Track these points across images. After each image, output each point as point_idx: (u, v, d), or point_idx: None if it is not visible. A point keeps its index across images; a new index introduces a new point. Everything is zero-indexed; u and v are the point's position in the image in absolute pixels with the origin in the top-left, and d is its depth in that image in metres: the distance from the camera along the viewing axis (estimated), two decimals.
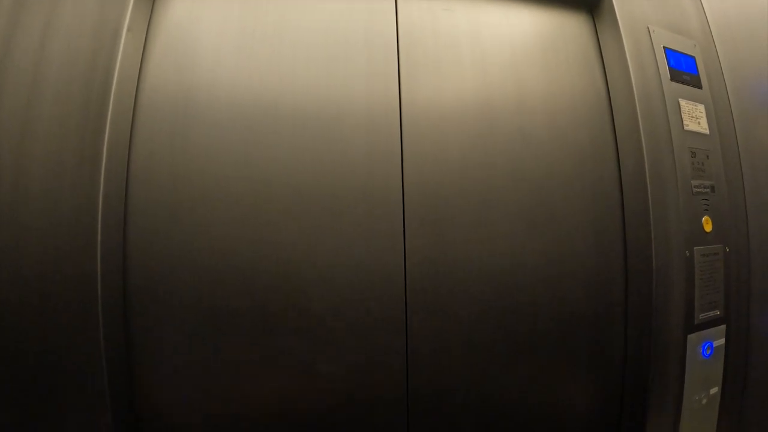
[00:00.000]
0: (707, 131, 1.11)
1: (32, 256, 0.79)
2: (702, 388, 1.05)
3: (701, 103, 1.12)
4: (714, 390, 1.08)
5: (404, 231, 0.94)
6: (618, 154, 1.05)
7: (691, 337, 1.02)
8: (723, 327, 1.08)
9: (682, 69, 1.12)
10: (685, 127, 1.07)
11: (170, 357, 0.88)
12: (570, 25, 1.13)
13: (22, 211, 0.80)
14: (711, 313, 1.05)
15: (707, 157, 1.09)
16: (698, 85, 1.14)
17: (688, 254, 1.01)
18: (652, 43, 1.10)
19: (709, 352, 1.05)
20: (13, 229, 0.79)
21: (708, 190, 1.07)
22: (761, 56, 1.22)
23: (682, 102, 1.08)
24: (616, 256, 1.03)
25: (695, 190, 1.05)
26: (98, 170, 0.82)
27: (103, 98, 0.84)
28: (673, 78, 1.09)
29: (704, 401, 1.06)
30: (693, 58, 1.16)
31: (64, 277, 0.81)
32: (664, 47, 1.11)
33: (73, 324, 0.81)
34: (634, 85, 1.02)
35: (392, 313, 0.92)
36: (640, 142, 1.00)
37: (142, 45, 0.93)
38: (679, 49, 1.14)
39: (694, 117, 1.10)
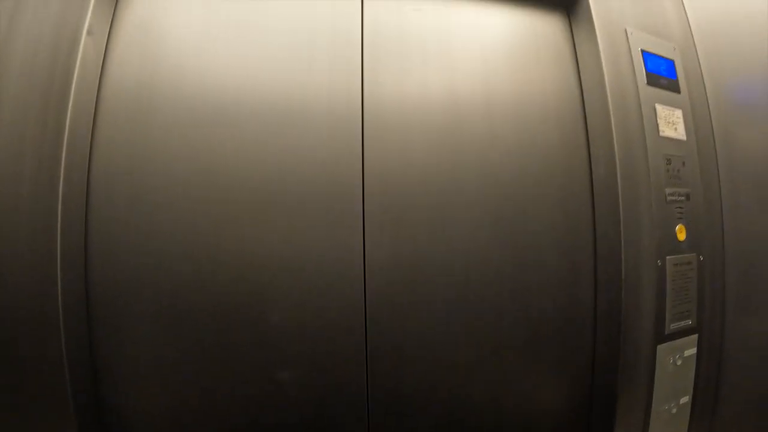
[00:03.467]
0: (684, 137, 1.09)
1: None
2: (672, 397, 1.04)
3: (679, 108, 1.10)
4: (684, 399, 1.07)
5: (364, 228, 0.92)
6: (590, 159, 1.02)
7: (662, 348, 1.00)
8: (695, 336, 1.07)
9: (660, 73, 1.10)
10: (661, 134, 1.05)
11: (133, 356, 0.87)
12: (544, 26, 1.09)
13: None
14: (683, 323, 1.04)
15: (683, 164, 1.07)
16: (676, 90, 1.11)
17: (659, 263, 0.99)
18: (629, 46, 1.07)
19: (679, 362, 1.04)
20: None
21: (683, 198, 1.05)
22: (742, 58, 1.20)
23: (659, 107, 1.06)
24: (585, 263, 1.01)
25: (669, 198, 1.03)
26: (58, 166, 0.81)
27: (63, 92, 0.83)
28: (650, 82, 1.06)
29: (674, 410, 1.05)
30: (672, 62, 1.13)
31: (22, 280, 0.79)
32: (641, 50, 1.08)
33: (33, 324, 0.79)
34: (608, 88, 1.00)
35: (351, 313, 0.90)
36: (613, 148, 0.98)
37: (104, 46, 0.92)
38: (658, 52, 1.11)
39: (671, 123, 1.07)
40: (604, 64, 1.01)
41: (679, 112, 1.10)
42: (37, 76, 0.83)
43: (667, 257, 1.00)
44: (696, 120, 1.12)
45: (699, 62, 1.20)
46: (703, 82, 1.18)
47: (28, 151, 0.81)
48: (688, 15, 1.23)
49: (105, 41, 0.92)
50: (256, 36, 0.95)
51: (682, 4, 1.23)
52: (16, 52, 0.85)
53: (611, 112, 0.99)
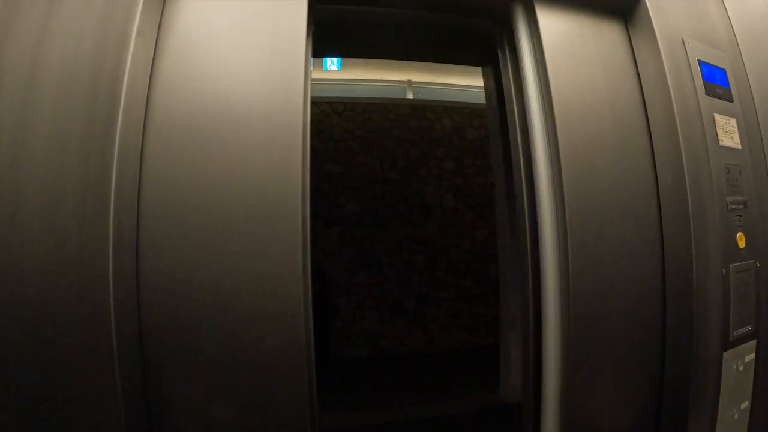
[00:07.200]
0: (739, 146, 1.10)
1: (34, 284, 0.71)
2: (734, 403, 1.06)
3: (733, 117, 1.11)
4: (744, 404, 1.08)
5: None
6: (655, 169, 1.03)
7: (727, 354, 1.02)
8: (754, 342, 1.08)
9: (716, 82, 1.11)
10: (720, 143, 1.06)
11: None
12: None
13: (19, 234, 0.72)
14: (744, 329, 1.05)
15: (740, 172, 1.08)
16: (730, 99, 1.13)
17: (724, 272, 1.00)
18: (687, 57, 1.08)
19: (741, 368, 1.05)
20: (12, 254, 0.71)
21: (741, 206, 1.07)
22: None
23: (717, 117, 1.07)
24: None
25: (730, 206, 1.04)
26: (107, 193, 0.74)
27: (110, 111, 0.77)
28: (707, 92, 1.07)
29: (736, 416, 1.06)
30: (724, 71, 1.15)
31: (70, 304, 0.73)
32: (698, 60, 1.09)
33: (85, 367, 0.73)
34: (673, 100, 1.00)
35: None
36: (681, 158, 0.98)
37: (153, 50, 0.86)
38: (712, 62, 1.12)
39: (728, 132, 1.09)
40: (668, 76, 1.02)
41: (733, 121, 1.11)
42: (80, 80, 0.77)
43: (731, 265, 1.02)
44: (747, 128, 1.14)
45: (745, 70, 1.22)
46: (750, 91, 1.20)
47: (71, 171, 0.74)
48: (733, 23, 1.25)
49: (154, 44, 0.87)
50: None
51: (726, 12, 1.25)
52: (54, 51, 0.78)
53: (678, 123, 0.99)
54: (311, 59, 0.99)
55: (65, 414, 0.71)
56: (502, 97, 2.92)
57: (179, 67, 0.87)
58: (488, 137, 2.99)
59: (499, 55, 1.16)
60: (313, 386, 0.86)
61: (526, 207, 1.05)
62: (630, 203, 1.00)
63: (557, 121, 0.96)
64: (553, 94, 0.96)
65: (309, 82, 0.93)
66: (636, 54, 1.09)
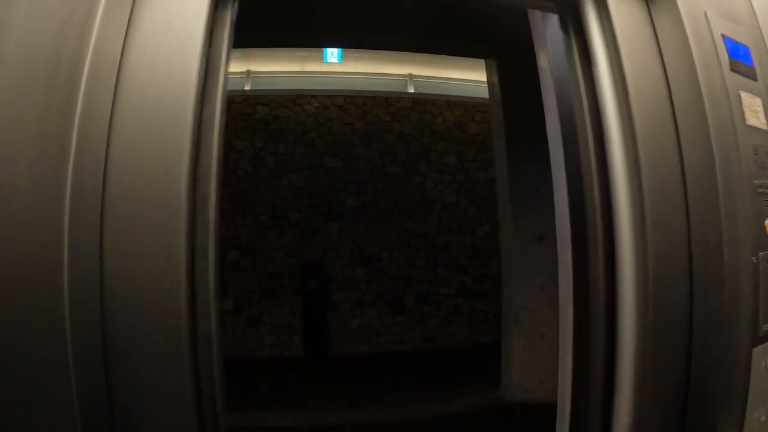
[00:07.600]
0: (766, 127, 1.03)
1: None
2: (762, 403, 0.98)
3: (758, 96, 1.04)
4: None
5: None
6: (680, 150, 0.95)
7: (756, 351, 0.94)
8: None
9: (740, 59, 1.04)
10: (747, 122, 0.99)
11: None
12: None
13: None
14: None
15: (767, 154, 1.01)
16: (754, 77, 1.06)
17: (754, 260, 0.93)
18: (710, 31, 1.01)
19: None
20: None
21: None
22: None
23: (743, 95, 1.00)
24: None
25: (759, 190, 0.97)
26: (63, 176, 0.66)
27: (72, 84, 0.68)
28: (732, 68, 1.00)
29: (762, 418, 0.99)
30: (747, 48, 1.08)
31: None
32: (722, 35, 1.02)
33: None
34: (699, 75, 0.93)
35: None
36: (709, 138, 0.91)
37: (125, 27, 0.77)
38: (735, 38, 1.05)
39: (754, 111, 1.02)
40: (693, 50, 0.95)
41: (759, 101, 1.04)
42: (39, 62, 0.68)
43: (760, 253, 0.94)
44: None
45: (766, 48, 1.15)
46: None
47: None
48: (752, 1, 1.18)
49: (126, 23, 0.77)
50: None
51: None
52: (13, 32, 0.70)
53: (705, 100, 0.92)
54: (228, 42, 0.88)
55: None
56: (504, 91, 2.86)
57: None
58: (491, 132, 2.92)
59: (563, 36, 1.09)
60: (214, 388, 0.76)
61: (596, 187, 0.99)
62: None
63: (632, 99, 0.93)
64: (626, 72, 0.94)
65: (216, 62, 0.83)
66: (657, 28, 1.02)
